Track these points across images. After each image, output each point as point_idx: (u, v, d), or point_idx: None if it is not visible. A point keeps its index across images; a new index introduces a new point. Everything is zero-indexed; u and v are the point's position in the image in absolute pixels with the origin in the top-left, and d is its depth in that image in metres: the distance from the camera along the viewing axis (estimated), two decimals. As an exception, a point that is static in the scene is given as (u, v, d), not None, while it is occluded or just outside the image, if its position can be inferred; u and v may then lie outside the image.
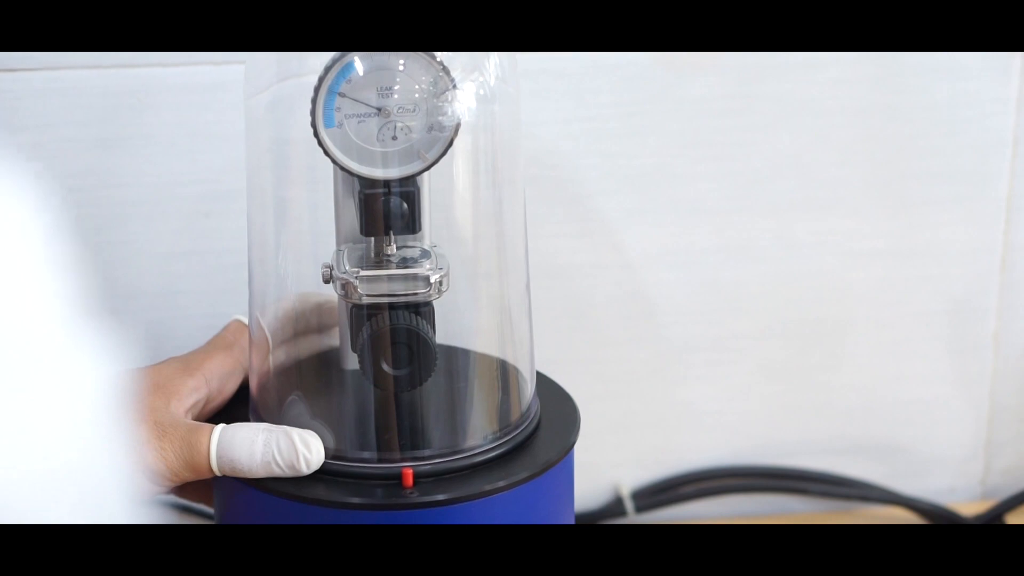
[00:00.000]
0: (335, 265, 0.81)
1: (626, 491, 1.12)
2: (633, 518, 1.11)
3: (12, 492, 0.46)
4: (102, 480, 0.50)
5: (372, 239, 0.81)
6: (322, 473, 0.79)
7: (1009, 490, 1.16)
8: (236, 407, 0.85)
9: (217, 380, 0.84)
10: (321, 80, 0.77)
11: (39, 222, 0.48)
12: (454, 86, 0.78)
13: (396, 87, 0.78)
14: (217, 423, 0.80)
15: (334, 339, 0.87)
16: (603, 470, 1.11)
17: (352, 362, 0.84)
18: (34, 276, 0.48)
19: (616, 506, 1.12)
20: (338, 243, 0.84)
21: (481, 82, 0.79)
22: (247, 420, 0.83)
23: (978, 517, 1.14)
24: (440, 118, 0.78)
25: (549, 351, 0.90)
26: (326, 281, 0.82)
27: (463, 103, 0.78)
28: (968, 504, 1.15)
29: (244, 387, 0.86)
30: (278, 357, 0.85)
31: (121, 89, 0.98)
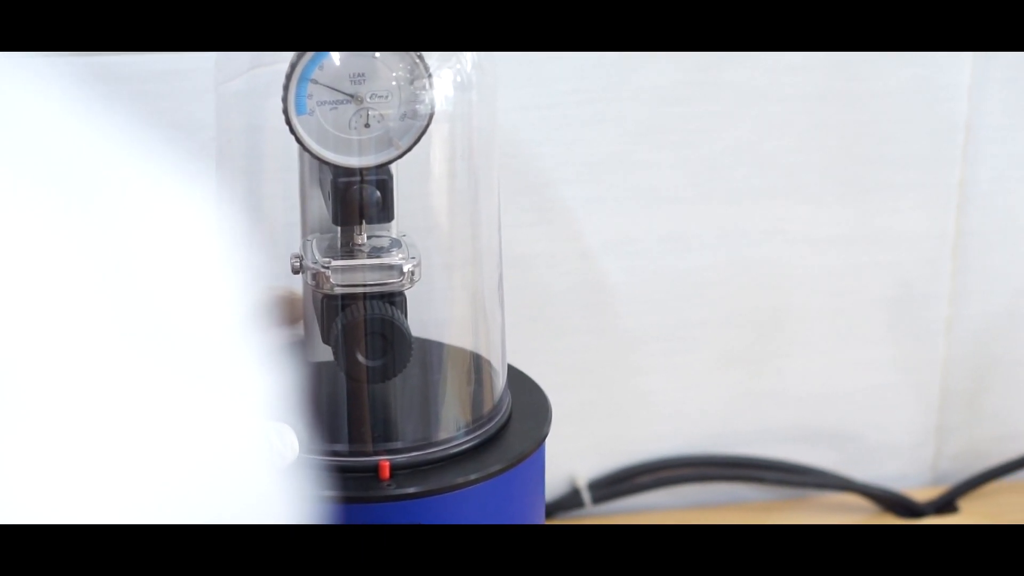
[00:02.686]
0: (304, 255, 0.80)
1: (582, 482, 1.11)
2: (590, 509, 1.11)
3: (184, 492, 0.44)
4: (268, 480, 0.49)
5: (341, 229, 0.80)
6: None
7: (960, 475, 1.16)
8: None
9: None
10: (293, 67, 0.75)
11: (222, 228, 0.47)
12: (429, 75, 0.76)
13: (369, 74, 0.76)
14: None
15: (298, 332, 0.86)
16: (559, 461, 1.10)
17: (319, 354, 0.82)
18: (215, 282, 0.47)
19: (573, 497, 1.11)
20: (304, 233, 0.82)
21: (458, 69, 0.78)
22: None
23: (930, 503, 1.14)
24: (416, 106, 0.77)
25: (506, 341, 0.89)
26: (295, 272, 0.80)
27: (439, 91, 0.77)
28: (920, 489, 1.16)
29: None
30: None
31: (74, 76, 0.96)
